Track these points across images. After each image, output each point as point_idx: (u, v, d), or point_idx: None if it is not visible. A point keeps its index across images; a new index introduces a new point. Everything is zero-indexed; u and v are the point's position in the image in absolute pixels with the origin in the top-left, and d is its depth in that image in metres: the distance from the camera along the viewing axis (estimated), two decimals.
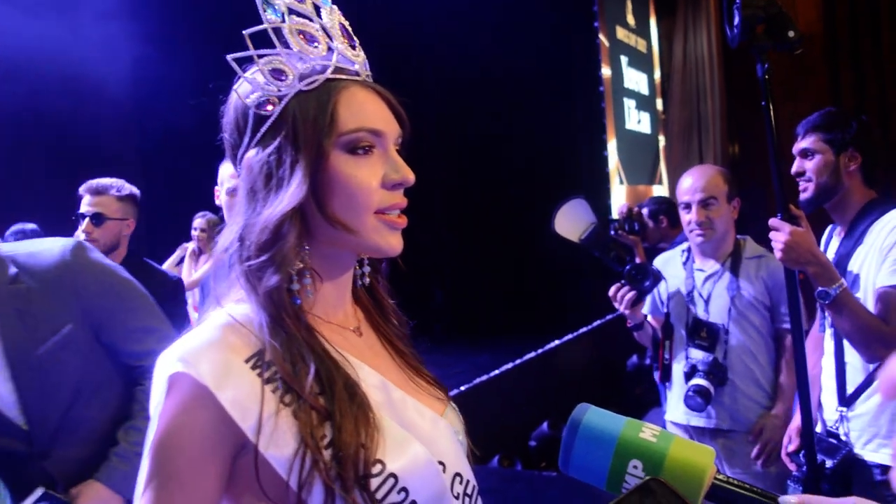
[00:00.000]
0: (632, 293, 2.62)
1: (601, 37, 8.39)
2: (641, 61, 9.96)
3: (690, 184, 2.78)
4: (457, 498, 0.95)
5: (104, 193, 2.77)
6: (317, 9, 0.97)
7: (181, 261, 4.74)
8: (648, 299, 2.88)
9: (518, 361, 5.86)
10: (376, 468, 0.86)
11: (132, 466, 1.81)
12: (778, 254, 2.12)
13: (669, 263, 2.98)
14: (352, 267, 1.04)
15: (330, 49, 0.96)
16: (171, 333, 1.95)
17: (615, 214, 7.44)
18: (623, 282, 2.62)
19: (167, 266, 4.59)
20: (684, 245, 3.00)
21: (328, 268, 0.99)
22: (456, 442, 1.01)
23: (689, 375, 2.76)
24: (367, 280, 1.09)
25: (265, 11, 0.94)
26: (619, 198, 8.44)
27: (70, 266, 1.80)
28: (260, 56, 0.93)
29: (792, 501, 0.78)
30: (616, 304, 2.68)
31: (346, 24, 1.00)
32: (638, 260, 4.38)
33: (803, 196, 2.39)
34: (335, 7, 0.99)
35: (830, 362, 2.40)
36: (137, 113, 5.44)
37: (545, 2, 7.56)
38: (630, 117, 9.26)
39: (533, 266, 7.44)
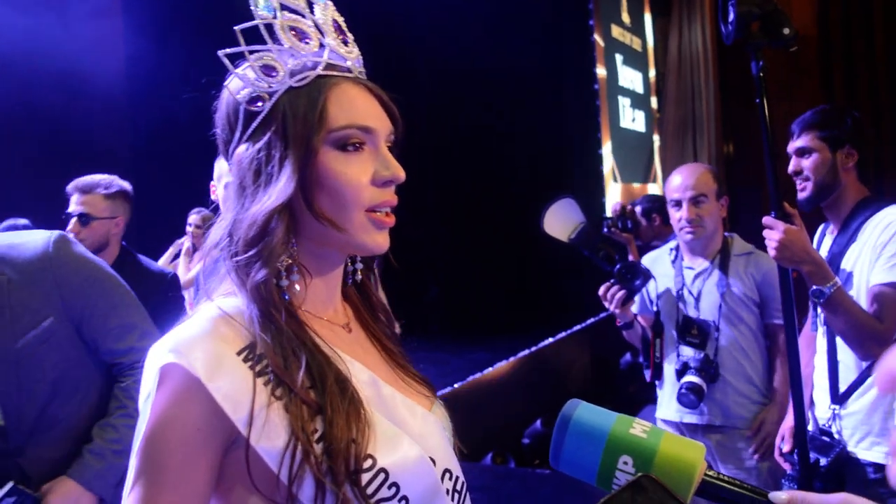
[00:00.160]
0: (622, 292, 2.62)
1: (596, 36, 8.39)
2: (636, 60, 9.98)
3: (680, 182, 2.78)
4: (447, 494, 0.95)
5: (91, 192, 2.73)
6: (310, 5, 0.97)
7: (176, 257, 4.73)
8: (637, 298, 2.89)
9: (512, 359, 5.87)
10: (367, 463, 0.87)
11: (106, 464, 1.80)
12: (772, 252, 2.12)
13: (658, 262, 2.99)
14: (341, 264, 1.04)
15: (322, 45, 0.96)
16: (152, 331, 1.92)
17: (609, 212, 7.45)
18: (613, 281, 2.63)
19: (162, 263, 4.57)
20: (672, 243, 3.00)
21: (318, 264, 0.99)
22: (445, 438, 1.01)
23: (680, 373, 2.77)
24: (360, 277, 1.08)
25: (257, 7, 0.93)
26: (614, 196, 8.45)
27: (52, 259, 1.76)
28: (251, 52, 0.93)
29: (783, 497, 0.79)
30: (606, 303, 2.67)
31: (341, 20, 1.00)
32: (631, 258, 4.39)
33: (802, 195, 2.39)
34: (329, 3, 0.99)
35: (823, 360, 2.41)
36: (130, 108, 5.42)
37: None
38: (625, 116, 9.27)
39: (527, 263, 7.44)
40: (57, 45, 4.29)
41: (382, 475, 0.87)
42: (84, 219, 2.68)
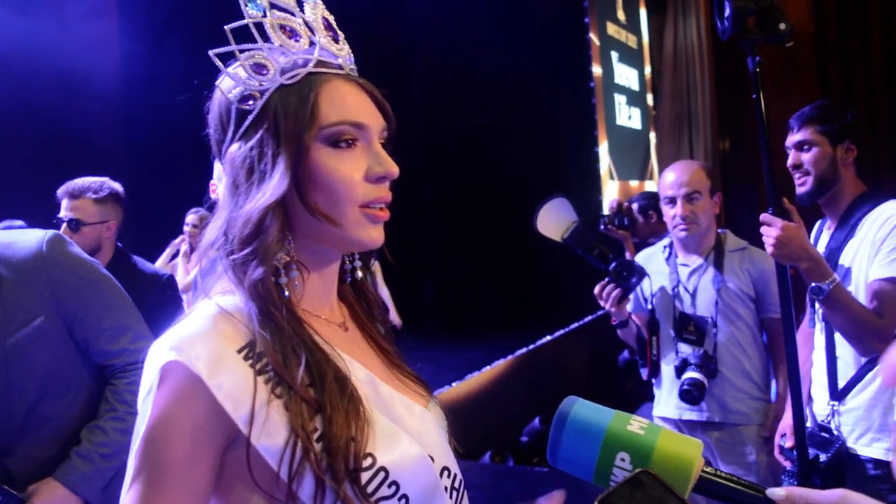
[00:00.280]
0: (617, 290, 2.61)
1: (591, 34, 8.39)
2: (632, 57, 9.97)
3: (674, 178, 2.78)
4: (445, 491, 0.95)
5: (81, 197, 2.69)
6: (300, 3, 0.97)
7: (174, 257, 4.72)
8: (631, 297, 2.88)
9: (509, 357, 5.87)
10: (367, 461, 0.86)
11: (93, 468, 1.77)
12: (770, 249, 2.11)
13: (651, 260, 2.99)
14: (338, 261, 1.04)
15: (312, 43, 0.96)
16: (146, 333, 1.90)
17: (606, 210, 7.45)
18: (608, 279, 2.62)
19: (160, 263, 4.57)
20: (666, 241, 3.00)
21: (315, 262, 0.99)
22: (442, 436, 1.02)
23: (680, 370, 2.77)
24: (359, 274, 1.08)
25: (247, 6, 0.93)
26: (611, 193, 8.46)
27: (46, 258, 1.75)
28: (242, 51, 0.93)
29: (780, 493, 0.78)
30: (601, 302, 2.66)
31: (331, 17, 1.00)
32: (628, 254, 4.38)
33: (801, 189, 2.37)
34: (318, 1, 0.99)
35: (822, 357, 2.40)
36: (128, 108, 5.41)
37: None
38: (620, 113, 9.27)
39: (524, 261, 7.45)
40: (54, 46, 4.28)
41: (382, 474, 0.87)
42: (74, 224, 2.65)
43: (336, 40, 0.99)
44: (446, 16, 6.67)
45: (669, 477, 0.76)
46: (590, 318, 7.13)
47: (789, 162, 2.40)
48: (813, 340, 2.51)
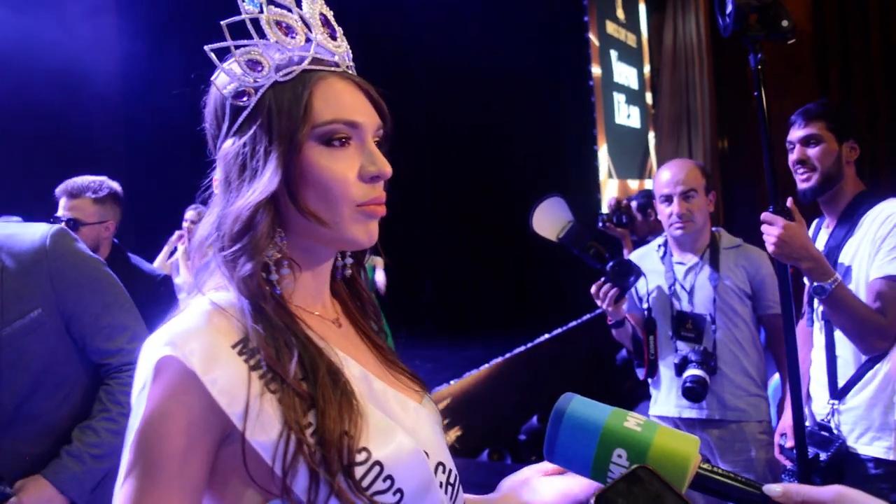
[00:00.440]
0: (614, 290, 2.59)
1: (591, 34, 8.38)
2: (631, 56, 9.97)
3: (670, 177, 2.78)
4: (440, 487, 0.95)
5: (80, 196, 2.67)
6: None
7: (172, 254, 4.71)
8: (627, 296, 2.88)
9: (508, 355, 5.87)
10: (361, 456, 0.86)
11: (83, 468, 1.76)
12: (770, 248, 2.10)
13: (646, 258, 2.97)
14: (331, 258, 1.04)
15: (308, 40, 0.96)
16: (143, 334, 1.87)
17: (605, 208, 7.46)
18: (605, 278, 2.61)
19: (158, 261, 4.56)
20: (660, 239, 3.00)
21: (307, 259, 0.99)
22: (437, 432, 1.01)
23: (680, 367, 2.76)
24: (350, 272, 1.08)
25: (244, 2, 0.93)
26: (610, 192, 8.46)
27: (48, 252, 1.75)
28: (237, 47, 0.93)
29: (777, 490, 0.79)
30: (598, 302, 2.64)
31: (329, 13, 0.99)
32: (626, 252, 4.38)
33: (805, 185, 2.36)
34: None
35: (821, 355, 2.40)
36: (127, 106, 5.39)
37: None
38: (620, 112, 9.26)
39: (523, 259, 7.44)
40: (53, 44, 4.28)
41: (377, 468, 0.87)
42: (72, 224, 2.62)
43: (333, 37, 0.98)
44: (446, 15, 6.66)
45: (666, 473, 0.76)
46: (588, 316, 7.14)
47: (793, 157, 2.38)
48: (811, 339, 2.50)
